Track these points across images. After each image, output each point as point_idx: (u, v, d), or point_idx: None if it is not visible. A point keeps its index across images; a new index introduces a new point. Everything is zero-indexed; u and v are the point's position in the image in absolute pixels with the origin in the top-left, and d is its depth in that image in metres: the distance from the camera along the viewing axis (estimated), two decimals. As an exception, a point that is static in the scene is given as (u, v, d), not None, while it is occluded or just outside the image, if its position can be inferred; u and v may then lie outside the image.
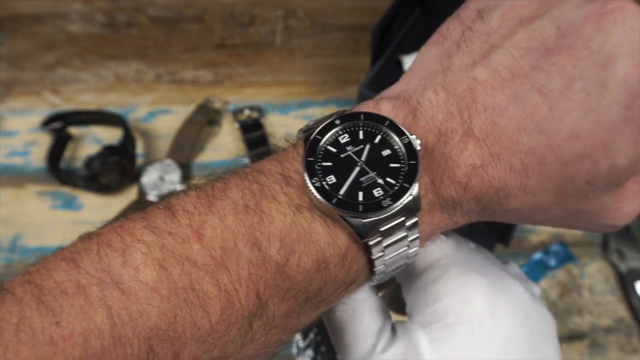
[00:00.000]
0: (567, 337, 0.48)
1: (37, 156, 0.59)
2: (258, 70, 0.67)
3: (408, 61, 0.59)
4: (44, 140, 0.60)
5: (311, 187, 0.21)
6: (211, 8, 0.73)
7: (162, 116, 0.62)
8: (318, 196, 0.21)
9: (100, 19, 0.71)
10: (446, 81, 0.22)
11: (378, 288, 0.27)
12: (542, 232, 0.53)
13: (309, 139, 0.22)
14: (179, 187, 0.56)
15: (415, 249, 0.23)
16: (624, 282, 0.50)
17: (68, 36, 0.70)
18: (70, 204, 0.56)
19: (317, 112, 0.62)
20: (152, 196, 0.55)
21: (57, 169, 0.56)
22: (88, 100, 0.64)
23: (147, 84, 0.65)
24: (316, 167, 0.21)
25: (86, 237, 0.21)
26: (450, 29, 0.24)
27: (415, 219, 0.22)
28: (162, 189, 0.55)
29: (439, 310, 0.23)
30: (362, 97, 0.55)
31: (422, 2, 0.63)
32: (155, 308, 0.19)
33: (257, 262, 0.20)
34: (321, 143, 0.22)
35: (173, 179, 0.56)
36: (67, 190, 0.57)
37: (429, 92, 0.23)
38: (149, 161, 0.58)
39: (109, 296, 0.19)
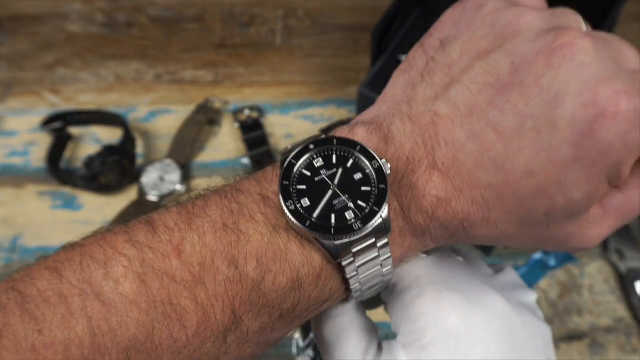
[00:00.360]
0: (567, 337, 0.48)
1: (37, 156, 0.59)
2: (258, 70, 0.67)
3: (408, 61, 0.59)
4: (44, 140, 0.60)
5: (286, 211, 0.22)
6: (211, 8, 0.73)
7: (162, 116, 0.62)
8: (293, 219, 0.22)
9: (100, 19, 0.71)
10: (412, 112, 0.23)
11: (369, 306, 0.29)
12: (542, 232, 0.54)
13: (285, 163, 0.23)
14: (179, 187, 0.56)
15: (389, 267, 0.24)
16: (624, 282, 0.50)
17: (68, 36, 0.70)
18: (70, 204, 0.56)
19: (317, 112, 0.62)
20: (152, 196, 0.55)
21: (57, 169, 0.56)
22: (88, 100, 0.64)
23: (147, 84, 0.65)
24: (291, 190, 0.22)
25: (69, 248, 0.22)
26: (416, 57, 0.26)
27: (385, 240, 0.23)
28: (162, 189, 0.55)
29: (417, 331, 0.24)
30: (362, 97, 0.55)
31: (422, 2, 0.63)
32: (134, 320, 0.20)
33: (233, 279, 0.21)
34: (296, 167, 0.23)
35: (173, 179, 0.56)
36: (67, 190, 0.57)
37: (397, 121, 0.24)
38: (149, 161, 0.58)
39: (89, 307, 0.20)
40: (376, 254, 0.23)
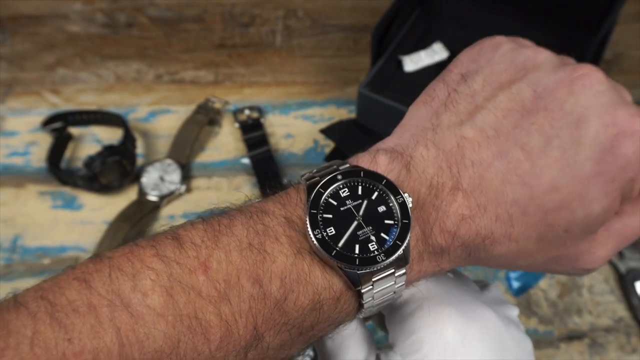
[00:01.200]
0: (567, 337, 0.48)
1: (38, 156, 0.59)
2: (258, 71, 0.67)
3: (408, 61, 0.59)
4: (45, 141, 0.60)
5: (313, 239, 0.22)
6: (211, 8, 0.73)
7: (162, 116, 0.62)
8: (319, 247, 0.22)
9: (101, 19, 0.72)
10: (436, 138, 0.25)
11: (365, 319, 0.29)
12: (541, 232, 0.54)
13: (313, 192, 0.24)
14: (179, 187, 0.56)
15: (401, 292, 0.25)
16: (624, 282, 0.50)
17: (68, 36, 0.70)
18: (70, 204, 0.56)
19: (317, 112, 0.62)
20: (152, 196, 0.55)
21: (57, 169, 0.56)
22: (88, 101, 0.64)
23: (147, 84, 0.66)
24: (318, 218, 0.23)
25: (97, 259, 0.22)
26: (437, 90, 0.27)
27: (403, 270, 0.24)
28: (162, 189, 0.55)
29: (415, 342, 0.25)
30: (362, 97, 0.55)
31: (422, 2, 0.63)
32: (160, 332, 0.20)
33: (257, 297, 0.22)
34: (323, 196, 0.24)
35: (173, 179, 0.56)
36: (67, 190, 0.57)
37: (421, 148, 0.25)
38: (149, 161, 0.58)
39: (118, 318, 0.20)
40: (393, 282, 0.24)
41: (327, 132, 0.56)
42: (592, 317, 0.49)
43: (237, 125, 0.60)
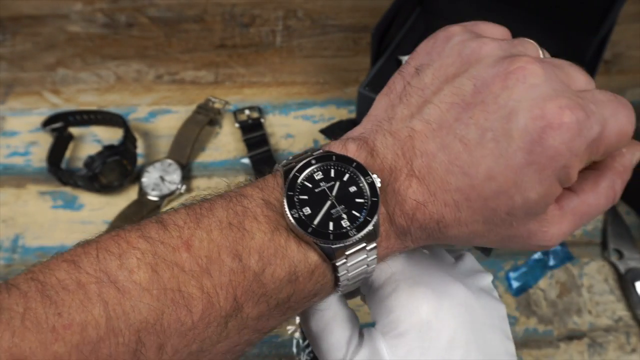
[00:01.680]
0: (567, 337, 0.48)
1: (38, 156, 0.59)
2: (258, 71, 0.67)
3: (408, 61, 0.59)
4: (45, 141, 0.60)
5: (290, 218, 0.24)
6: (211, 8, 0.73)
7: (163, 116, 0.63)
8: (296, 225, 0.24)
9: (101, 20, 0.72)
10: (392, 128, 0.27)
11: (349, 296, 0.32)
12: (541, 232, 0.54)
13: (289, 175, 0.26)
14: (179, 187, 0.56)
15: (373, 266, 0.27)
16: (623, 282, 0.50)
17: (69, 37, 0.70)
18: (71, 204, 0.56)
19: (317, 112, 0.63)
20: (152, 196, 0.55)
21: (57, 169, 0.56)
22: (89, 101, 0.64)
23: (147, 84, 0.66)
24: (295, 199, 0.25)
25: (85, 243, 0.24)
26: (395, 82, 0.29)
27: (374, 244, 0.26)
28: (163, 189, 0.55)
29: (393, 321, 0.28)
30: (362, 97, 0.55)
31: (422, 2, 0.63)
32: (146, 305, 0.22)
33: (237, 271, 0.24)
34: (299, 179, 0.26)
35: (173, 179, 0.56)
36: (67, 190, 0.57)
37: (380, 136, 0.27)
38: (150, 161, 0.58)
39: (105, 293, 0.22)
40: (365, 256, 0.26)
41: (327, 132, 0.56)
42: (591, 317, 0.49)
43: (237, 125, 0.60)
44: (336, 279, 0.26)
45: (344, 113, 0.63)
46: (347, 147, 0.27)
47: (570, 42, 0.57)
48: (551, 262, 0.51)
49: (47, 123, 0.59)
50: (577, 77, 0.26)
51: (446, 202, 0.25)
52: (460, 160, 0.25)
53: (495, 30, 0.29)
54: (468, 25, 0.29)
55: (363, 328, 0.29)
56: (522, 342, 0.47)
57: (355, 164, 0.26)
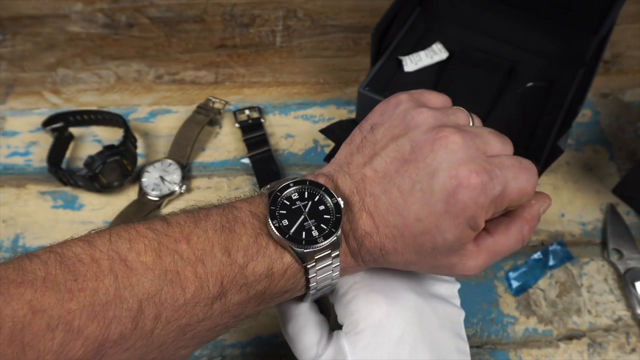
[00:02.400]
0: (566, 337, 0.48)
1: (38, 156, 0.59)
2: (258, 71, 0.67)
3: (408, 61, 0.59)
4: (45, 141, 0.60)
5: (272, 226, 0.31)
6: (211, 9, 0.73)
7: (163, 116, 0.63)
8: (276, 232, 0.30)
9: (101, 20, 0.72)
10: (350, 171, 0.33)
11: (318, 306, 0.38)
12: (541, 233, 0.54)
13: (272, 194, 0.32)
14: (179, 187, 0.56)
15: (337, 274, 0.33)
16: (623, 282, 0.50)
17: (69, 37, 0.70)
18: (71, 204, 0.56)
19: (317, 112, 0.63)
20: (152, 196, 0.55)
21: (58, 169, 0.56)
22: (89, 101, 0.64)
23: (147, 84, 0.66)
24: (276, 213, 0.31)
25: (98, 230, 0.29)
26: (355, 135, 0.35)
27: (337, 252, 0.32)
28: (163, 189, 0.55)
29: (353, 322, 0.33)
30: (362, 97, 0.55)
31: (422, 2, 0.63)
32: (149, 281, 0.27)
33: (225, 263, 0.29)
34: (280, 198, 0.32)
35: (173, 179, 0.56)
36: (67, 190, 0.57)
37: (341, 176, 0.34)
38: (150, 161, 0.58)
39: (116, 268, 0.27)
40: (330, 262, 0.32)
41: (327, 132, 0.56)
42: (591, 317, 0.49)
43: (237, 125, 0.60)
44: (307, 281, 0.32)
45: (344, 113, 0.63)
46: (318, 179, 0.33)
47: (570, 42, 0.57)
48: (551, 262, 0.51)
49: (47, 123, 0.59)
50: (494, 143, 0.32)
51: (387, 234, 0.31)
52: (397, 204, 0.31)
53: (436, 100, 0.36)
54: (414, 93, 0.36)
55: (332, 332, 0.35)
56: (522, 342, 0.47)
57: (324, 188, 0.33)
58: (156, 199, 0.55)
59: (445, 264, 0.32)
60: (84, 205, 0.56)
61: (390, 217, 0.31)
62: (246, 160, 0.59)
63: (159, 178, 0.56)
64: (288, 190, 0.33)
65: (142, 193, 0.55)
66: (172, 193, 0.55)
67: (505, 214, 0.34)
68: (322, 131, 0.57)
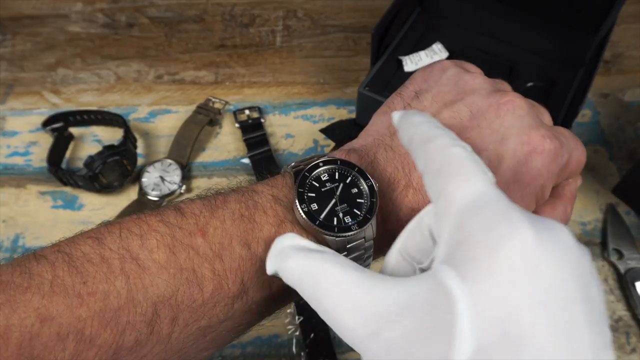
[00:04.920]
0: (567, 337, 0.48)
1: (38, 156, 0.59)
2: (258, 71, 0.67)
3: (408, 61, 0.59)
4: (45, 141, 0.60)
5: (300, 211, 0.27)
6: (211, 9, 0.73)
7: (163, 116, 0.63)
8: (305, 218, 0.27)
9: (101, 20, 0.72)
10: (392, 143, 0.30)
11: None
12: (541, 232, 0.54)
13: (300, 174, 0.28)
14: (179, 187, 0.56)
15: (369, 262, 0.29)
16: (623, 282, 0.50)
17: (69, 37, 0.70)
18: (71, 204, 0.56)
19: (317, 112, 0.63)
20: (152, 196, 0.55)
21: (58, 169, 0.56)
22: (89, 101, 0.64)
23: (147, 85, 0.66)
24: (304, 196, 0.28)
25: (108, 223, 0.26)
26: (395, 102, 0.32)
27: (371, 241, 0.28)
28: (163, 189, 0.55)
29: (466, 246, 0.19)
30: (362, 97, 0.55)
31: (422, 2, 0.63)
32: (163, 281, 0.24)
33: (245, 258, 0.26)
34: (308, 179, 0.28)
35: (173, 179, 0.56)
36: (67, 190, 0.57)
37: (381, 150, 0.30)
38: (150, 161, 0.58)
39: (127, 268, 0.24)
40: (363, 251, 0.28)
41: (327, 132, 0.56)
42: (591, 317, 0.49)
43: (237, 125, 0.60)
44: None
45: (344, 113, 0.63)
46: (350, 156, 0.30)
47: (570, 42, 0.57)
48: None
49: (47, 123, 0.59)
50: (545, 114, 0.30)
51: None
52: None
53: (477, 69, 0.33)
54: (457, 61, 0.33)
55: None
56: (522, 342, 0.47)
57: (357, 168, 0.28)
58: (156, 199, 0.55)
59: None
60: (84, 205, 0.56)
61: None
62: (246, 160, 0.59)
63: (159, 178, 0.56)
64: (317, 171, 0.29)
65: (142, 193, 0.55)
66: (172, 193, 0.55)
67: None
68: (322, 131, 0.57)
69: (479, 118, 0.29)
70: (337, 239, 0.27)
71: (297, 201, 0.27)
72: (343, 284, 0.21)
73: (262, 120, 0.61)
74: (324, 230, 0.27)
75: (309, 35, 0.70)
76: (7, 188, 0.57)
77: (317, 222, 0.27)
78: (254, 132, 0.60)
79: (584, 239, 0.53)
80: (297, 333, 0.48)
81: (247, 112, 0.61)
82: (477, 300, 0.18)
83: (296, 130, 0.61)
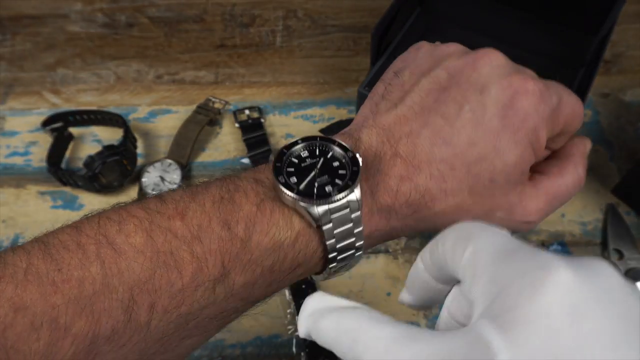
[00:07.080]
0: (567, 337, 0.48)
1: (38, 156, 0.59)
2: (258, 71, 0.67)
3: (408, 61, 0.59)
4: (45, 141, 0.60)
5: (277, 183, 0.26)
6: (211, 9, 0.73)
7: (163, 116, 0.63)
8: (283, 188, 0.26)
9: (101, 20, 0.72)
10: (376, 121, 0.30)
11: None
12: (541, 232, 0.54)
13: (278, 152, 0.28)
14: (179, 187, 0.56)
15: (361, 242, 0.28)
16: (623, 282, 0.50)
17: (69, 36, 0.70)
18: (71, 204, 0.56)
19: (317, 112, 0.63)
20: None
21: (57, 169, 0.56)
22: (89, 101, 0.64)
23: (147, 84, 0.66)
24: (283, 170, 0.27)
25: (89, 215, 0.26)
26: (377, 88, 0.32)
27: (358, 213, 0.27)
28: (163, 189, 0.55)
29: (503, 301, 0.18)
30: (362, 97, 0.55)
31: (422, 2, 0.63)
32: (139, 265, 0.24)
33: (225, 238, 0.25)
34: (286, 155, 0.28)
35: (173, 179, 0.56)
36: (67, 190, 0.57)
37: (365, 130, 0.30)
38: (150, 161, 0.58)
39: (103, 253, 0.24)
40: (350, 225, 0.27)
41: (327, 132, 0.56)
42: (591, 317, 0.49)
43: (237, 125, 0.60)
44: (324, 251, 0.27)
45: (344, 113, 0.63)
46: (335, 138, 0.30)
47: (570, 42, 0.57)
48: (551, 262, 0.51)
49: (47, 123, 0.59)
50: (524, 68, 0.30)
51: (431, 174, 0.27)
52: (443, 133, 0.28)
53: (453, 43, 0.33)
54: (432, 43, 0.34)
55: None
56: (522, 342, 0.47)
57: (337, 143, 0.28)
58: (156, 199, 0.55)
59: (504, 204, 0.28)
60: (83, 205, 0.56)
61: (435, 151, 0.27)
62: (246, 160, 0.59)
63: (159, 178, 0.56)
64: (296, 147, 0.29)
65: (142, 193, 0.55)
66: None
67: (554, 157, 0.31)
68: (323, 131, 0.57)
69: (457, 76, 0.29)
70: (317, 207, 0.26)
71: (273, 173, 0.27)
72: (382, 339, 0.19)
73: (262, 120, 0.61)
74: (302, 197, 0.26)
75: (309, 35, 0.70)
76: (7, 188, 0.57)
77: (296, 191, 0.26)
78: (254, 132, 0.59)
79: (584, 239, 0.53)
80: (297, 333, 0.48)
81: (247, 112, 0.61)
82: (517, 351, 0.16)
83: (296, 130, 0.61)
